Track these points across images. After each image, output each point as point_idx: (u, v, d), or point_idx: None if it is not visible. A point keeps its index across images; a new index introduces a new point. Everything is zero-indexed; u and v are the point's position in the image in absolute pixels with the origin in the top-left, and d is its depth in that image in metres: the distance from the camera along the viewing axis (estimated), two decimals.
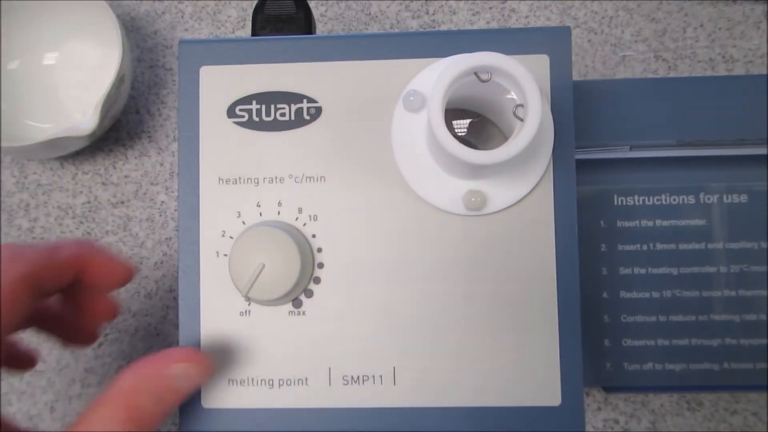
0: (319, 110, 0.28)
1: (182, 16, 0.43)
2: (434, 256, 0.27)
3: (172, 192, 0.40)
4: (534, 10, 0.44)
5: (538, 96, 0.22)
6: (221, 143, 0.28)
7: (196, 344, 0.27)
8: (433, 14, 0.44)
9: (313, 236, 0.28)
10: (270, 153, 0.28)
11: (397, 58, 0.28)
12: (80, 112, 0.40)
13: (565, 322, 0.27)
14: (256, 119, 0.28)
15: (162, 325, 0.39)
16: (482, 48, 0.28)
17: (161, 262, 0.40)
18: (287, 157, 0.28)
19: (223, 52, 0.28)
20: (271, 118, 0.28)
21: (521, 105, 0.23)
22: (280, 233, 0.26)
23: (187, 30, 0.43)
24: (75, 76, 0.41)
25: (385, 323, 0.27)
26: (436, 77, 0.23)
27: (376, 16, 0.44)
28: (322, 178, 0.28)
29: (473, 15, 0.44)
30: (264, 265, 0.26)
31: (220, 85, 0.28)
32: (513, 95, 0.23)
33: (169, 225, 0.40)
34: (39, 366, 0.38)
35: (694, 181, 0.35)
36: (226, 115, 0.28)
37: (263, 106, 0.28)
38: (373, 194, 0.28)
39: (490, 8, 0.44)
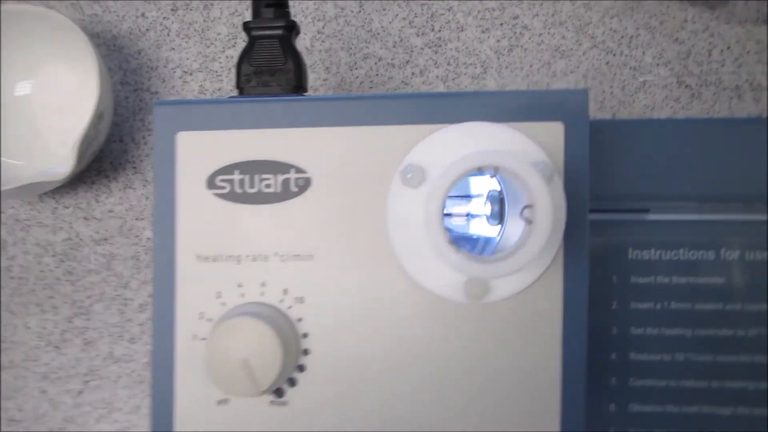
0: (307, 181, 0.25)
1: (168, 34, 0.40)
2: (431, 344, 0.25)
3: None
4: (548, 28, 0.41)
5: (548, 202, 0.20)
6: (200, 217, 0.25)
7: None
8: (439, 31, 0.41)
9: (299, 320, 0.25)
10: (253, 228, 0.25)
11: (396, 124, 0.25)
12: (59, 142, 0.38)
13: (567, 420, 0.25)
14: (239, 191, 0.25)
15: (146, 371, 0.38)
16: (489, 114, 0.25)
17: (146, 304, 0.38)
18: (272, 233, 0.25)
19: (202, 115, 0.25)
20: (255, 190, 0.25)
21: (529, 206, 0.20)
22: (259, 324, 0.24)
23: (173, 49, 0.40)
24: (53, 104, 0.38)
25: (376, 415, 0.25)
26: (436, 180, 0.20)
27: (378, 34, 0.41)
28: (310, 257, 0.25)
29: (482, 32, 0.41)
30: (245, 363, 0.24)
31: (198, 152, 0.25)
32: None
33: None
34: (15, 415, 0.36)
35: (714, 236, 0.33)
36: (205, 186, 0.25)
37: (246, 177, 0.25)
38: (365, 276, 0.25)
39: (501, 25, 0.41)
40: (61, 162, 0.33)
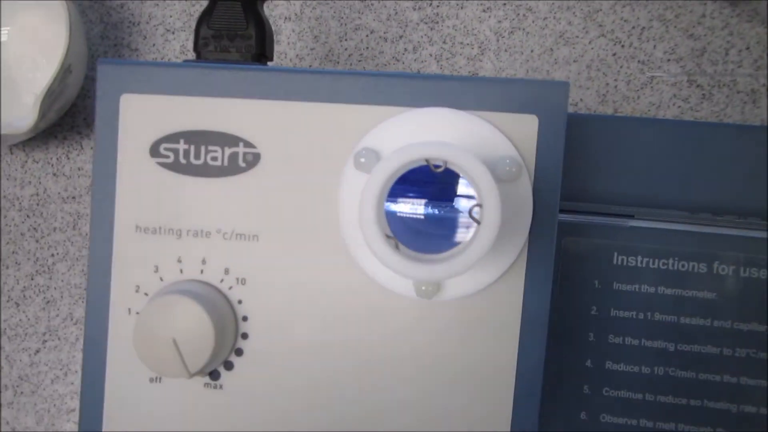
0: (257, 157, 0.24)
1: None
2: (377, 337, 0.24)
3: None
4: (554, 11, 0.38)
5: (497, 204, 0.18)
6: (141, 186, 0.24)
7: (99, 411, 0.24)
8: (437, 6, 0.39)
9: (240, 302, 0.24)
10: (196, 202, 0.24)
11: (357, 103, 0.23)
12: (30, 93, 0.36)
13: (519, 422, 0.23)
14: (183, 161, 0.24)
15: None
16: (458, 100, 0.23)
17: None
18: (216, 208, 0.24)
19: (149, 78, 0.24)
20: (200, 162, 0.24)
21: (479, 205, 0.18)
22: (193, 305, 0.22)
23: (157, 5, 0.38)
24: (27, 53, 0.36)
25: (314, 405, 0.24)
26: (373, 173, 0.18)
27: (372, 5, 0.39)
28: (255, 237, 0.24)
29: (483, 11, 0.39)
30: (174, 343, 0.22)
31: (143, 117, 0.24)
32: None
33: None
34: None
35: (709, 247, 0.30)
36: (148, 154, 0.24)
37: (192, 147, 0.24)
38: (312, 262, 0.24)
39: (504, 5, 0.39)
40: (26, 114, 0.31)
